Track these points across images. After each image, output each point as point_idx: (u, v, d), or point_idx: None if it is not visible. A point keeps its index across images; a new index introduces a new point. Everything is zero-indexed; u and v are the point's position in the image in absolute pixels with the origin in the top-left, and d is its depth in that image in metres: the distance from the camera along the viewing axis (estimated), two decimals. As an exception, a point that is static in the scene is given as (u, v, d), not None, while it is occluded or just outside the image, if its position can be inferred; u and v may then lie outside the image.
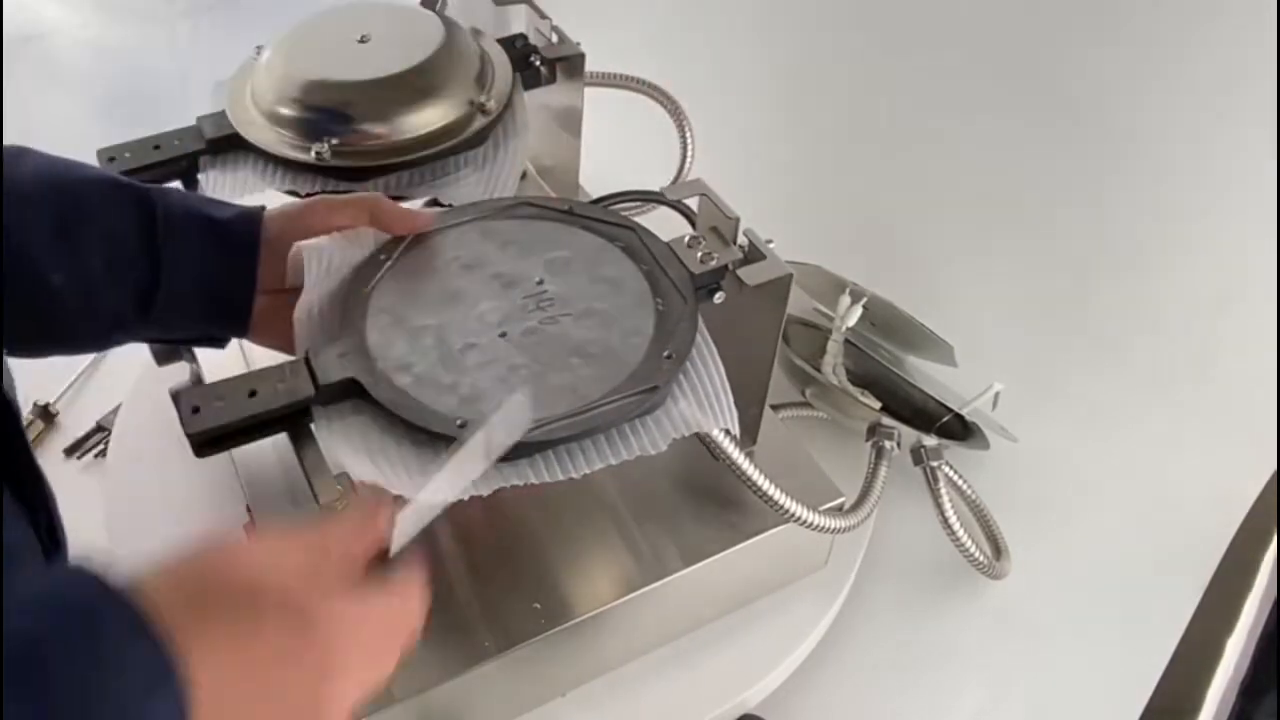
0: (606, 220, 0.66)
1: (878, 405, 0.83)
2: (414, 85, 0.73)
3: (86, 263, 0.57)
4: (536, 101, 0.81)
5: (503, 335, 0.59)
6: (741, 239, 0.63)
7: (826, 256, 0.86)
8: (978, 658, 0.78)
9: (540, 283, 0.62)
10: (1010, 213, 0.96)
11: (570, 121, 0.84)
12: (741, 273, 0.61)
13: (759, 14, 1.08)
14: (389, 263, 0.62)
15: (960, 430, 0.85)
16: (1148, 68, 0.84)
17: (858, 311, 0.83)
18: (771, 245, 0.63)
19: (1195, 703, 0.69)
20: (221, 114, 0.73)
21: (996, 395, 0.81)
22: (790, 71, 1.08)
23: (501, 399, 0.55)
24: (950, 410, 0.83)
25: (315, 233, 0.63)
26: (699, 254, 0.62)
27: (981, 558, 0.79)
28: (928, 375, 0.90)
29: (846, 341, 0.86)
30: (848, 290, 0.84)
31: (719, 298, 0.63)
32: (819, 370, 0.86)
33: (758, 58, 1.09)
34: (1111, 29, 0.84)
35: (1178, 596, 0.76)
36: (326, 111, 0.72)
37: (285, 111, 0.72)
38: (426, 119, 0.73)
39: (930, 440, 0.81)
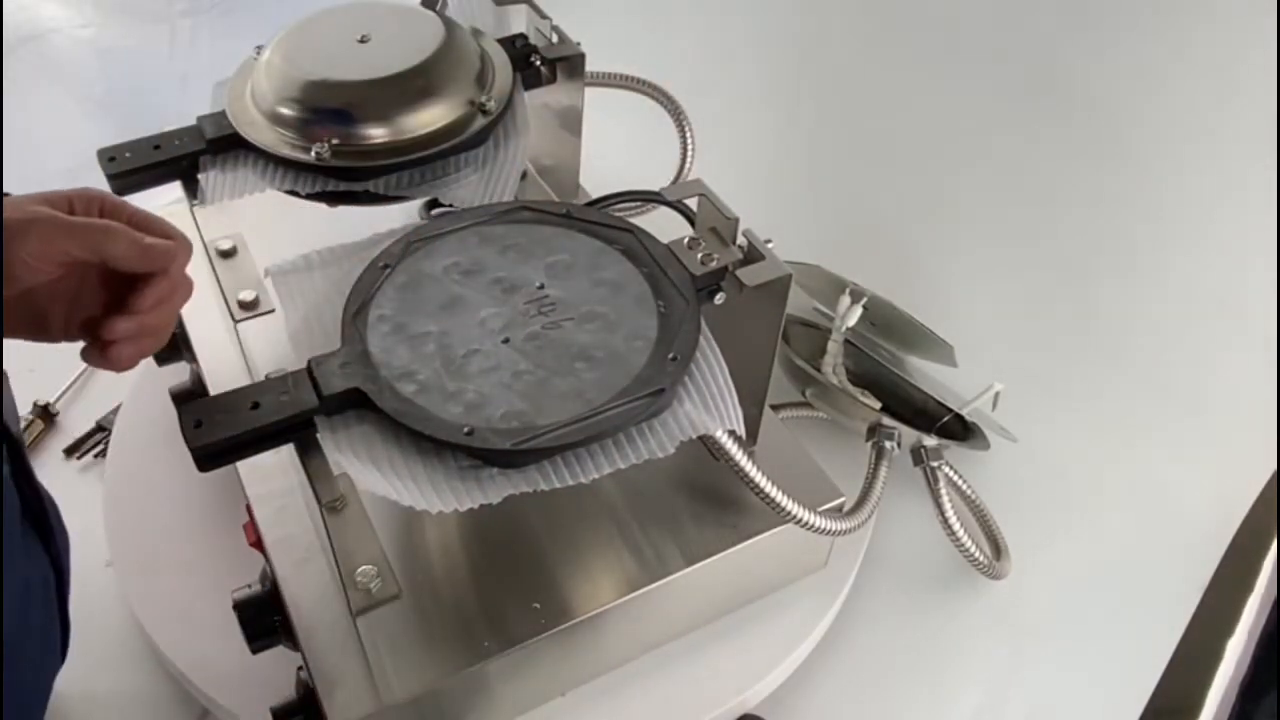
0: (605, 223, 0.66)
1: (878, 405, 0.83)
2: (414, 85, 0.73)
3: None
4: (536, 101, 0.81)
5: (505, 341, 0.59)
6: (740, 239, 0.63)
7: (826, 256, 0.86)
8: (978, 658, 0.78)
9: (541, 287, 0.62)
10: (1010, 213, 0.96)
11: (570, 121, 0.84)
12: (741, 273, 0.61)
13: (759, 14, 1.08)
14: (389, 271, 0.62)
15: (960, 430, 0.85)
16: (1148, 68, 0.84)
17: (858, 311, 0.83)
18: (770, 245, 0.63)
19: (1195, 703, 0.69)
20: (221, 114, 0.73)
21: (996, 395, 0.81)
22: (790, 71, 1.08)
23: (507, 405, 0.55)
24: (950, 410, 0.83)
25: (37, 259, 0.51)
26: (699, 255, 0.62)
27: (981, 558, 0.79)
28: (928, 375, 0.90)
29: (846, 342, 0.86)
30: (848, 290, 0.84)
31: (719, 298, 0.63)
32: (819, 370, 0.86)
33: (758, 58, 1.09)
34: (1112, 30, 0.84)
35: (1178, 596, 0.76)
36: (326, 111, 0.71)
37: (285, 111, 0.72)
38: (426, 119, 0.73)
39: (930, 440, 0.81)
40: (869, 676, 0.77)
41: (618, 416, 0.55)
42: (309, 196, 0.72)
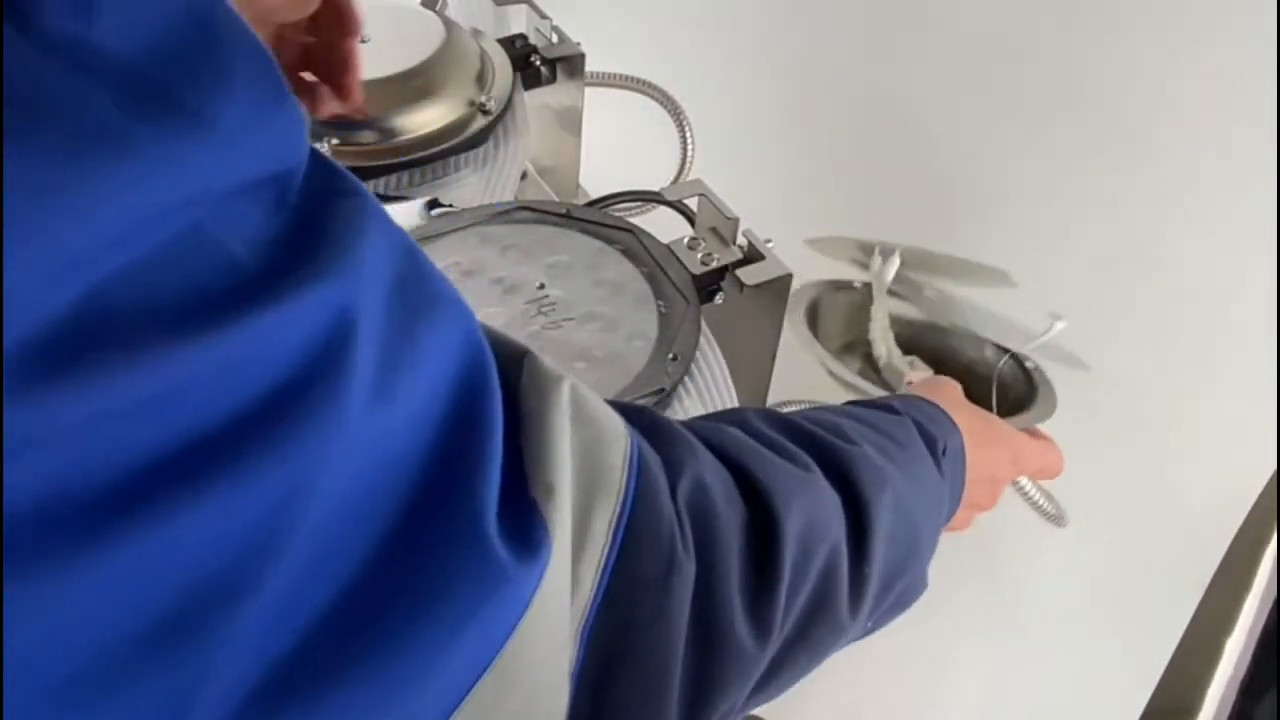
0: (605, 223, 0.66)
1: (930, 372, 0.81)
2: (414, 85, 0.73)
3: None
4: (536, 101, 0.81)
5: None
6: (740, 239, 0.63)
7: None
8: (978, 658, 0.78)
9: (541, 287, 0.62)
10: (1010, 212, 0.96)
11: (570, 121, 0.84)
12: (741, 273, 0.61)
13: (760, 14, 1.08)
14: None
15: (1024, 388, 0.82)
16: (1152, 67, 0.84)
17: (895, 263, 0.80)
18: (770, 245, 0.63)
19: (1195, 703, 0.69)
20: (221, 114, 0.73)
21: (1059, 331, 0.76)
22: (791, 71, 1.08)
23: None
24: (1007, 351, 0.79)
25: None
26: (699, 255, 0.63)
27: (1049, 507, 0.76)
28: (979, 310, 0.86)
29: (891, 293, 0.82)
30: (877, 250, 0.81)
31: (719, 298, 0.63)
32: (867, 340, 0.83)
33: (758, 57, 1.09)
34: (1112, 29, 0.84)
35: (1178, 596, 0.76)
36: (327, 112, 0.72)
37: (285, 112, 0.72)
38: (426, 119, 0.73)
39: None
40: (869, 676, 0.77)
41: (618, 417, 0.55)
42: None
